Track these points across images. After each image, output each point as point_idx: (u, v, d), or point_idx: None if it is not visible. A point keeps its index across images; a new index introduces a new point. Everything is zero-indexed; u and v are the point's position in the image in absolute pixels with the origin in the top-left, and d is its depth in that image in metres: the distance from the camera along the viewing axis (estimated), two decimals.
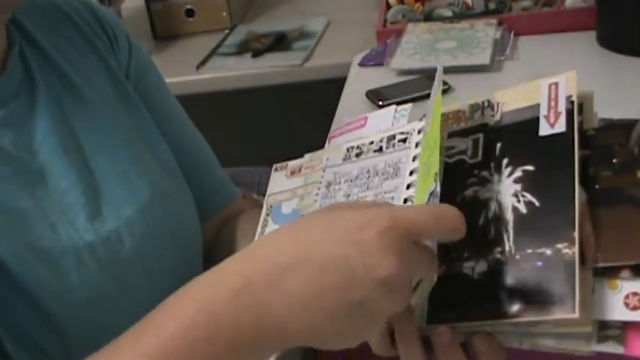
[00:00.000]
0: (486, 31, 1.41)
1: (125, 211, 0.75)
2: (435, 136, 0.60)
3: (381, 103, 1.24)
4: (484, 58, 1.31)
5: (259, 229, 0.75)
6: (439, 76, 0.65)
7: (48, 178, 0.72)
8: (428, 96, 1.26)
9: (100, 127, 0.78)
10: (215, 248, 0.91)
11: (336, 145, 0.78)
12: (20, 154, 0.71)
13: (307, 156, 0.79)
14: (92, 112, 0.78)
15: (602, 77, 1.25)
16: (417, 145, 0.67)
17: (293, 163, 0.79)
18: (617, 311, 0.51)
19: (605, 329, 0.52)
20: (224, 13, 1.82)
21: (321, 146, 0.93)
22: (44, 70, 0.76)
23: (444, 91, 1.26)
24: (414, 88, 1.27)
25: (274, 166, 0.81)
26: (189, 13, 1.82)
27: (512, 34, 1.41)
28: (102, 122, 0.78)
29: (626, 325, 0.52)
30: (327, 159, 0.77)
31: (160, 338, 0.51)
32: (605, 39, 1.33)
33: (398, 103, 1.23)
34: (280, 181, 0.79)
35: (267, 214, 0.76)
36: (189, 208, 0.86)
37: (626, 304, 0.51)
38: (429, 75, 1.31)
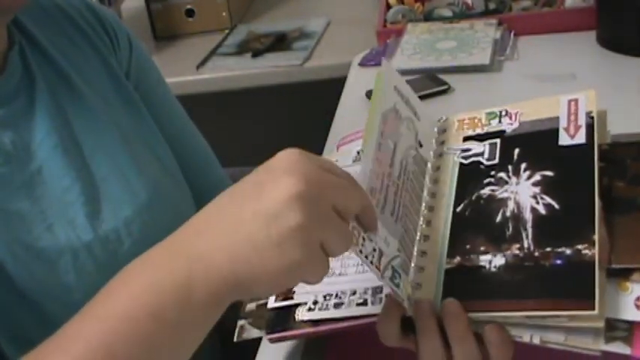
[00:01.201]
0: (486, 31, 1.41)
1: (124, 210, 0.75)
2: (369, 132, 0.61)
3: None
4: (484, 58, 1.31)
5: None
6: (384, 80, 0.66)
7: (47, 177, 0.72)
8: (428, 96, 1.28)
9: (99, 127, 0.78)
10: None
11: (346, 150, 0.79)
12: (19, 153, 0.71)
13: None
14: (91, 112, 0.78)
15: (602, 77, 1.24)
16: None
17: None
18: (628, 312, 0.53)
19: (613, 330, 0.53)
20: (224, 13, 1.82)
21: (322, 146, 0.93)
22: (44, 69, 0.76)
23: (444, 91, 1.26)
24: (413, 88, 1.26)
25: None
26: (189, 13, 1.82)
27: (512, 34, 1.41)
28: (101, 122, 0.78)
29: (633, 327, 0.53)
30: (337, 160, 0.77)
31: (108, 297, 0.54)
32: (605, 39, 1.33)
33: None
34: None
35: None
36: (188, 208, 0.86)
37: (637, 306, 0.53)
38: (429, 75, 1.31)
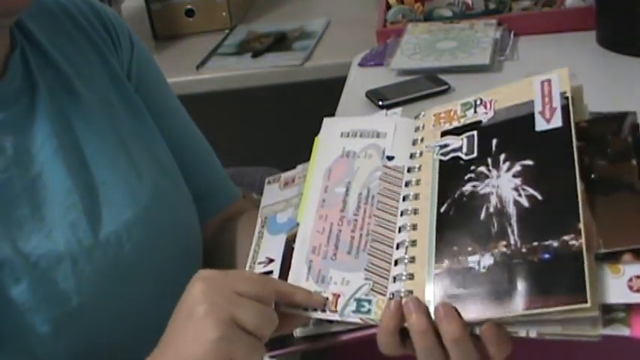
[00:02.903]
0: (486, 31, 1.41)
1: (125, 214, 0.75)
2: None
3: (381, 103, 1.24)
4: (484, 58, 1.31)
5: (255, 241, 0.76)
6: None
7: (48, 181, 0.72)
8: (428, 96, 1.28)
9: (99, 131, 0.77)
10: (215, 248, 0.91)
11: None
12: (21, 158, 0.71)
13: (300, 167, 0.79)
14: (92, 116, 0.77)
15: (601, 77, 1.24)
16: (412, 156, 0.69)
17: (286, 175, 0.80)
18: (622, 294, 0.53)
19: (610, 312, 0.53)
20: (224, 13, 1.82)
21: None
22: (45, 72, 0.76)
23: (444, 91, 1.26)
24: (414, 88, 1.27)
25: (267, 179, 0.81)
26: (189, 13, 1.82)
27: (512, 34, 1.41)
28: (102, 126, 0.78)
29: (630, 308, 0.53)
30: None
31: None
32: (604, 39, 1.33)
33: (398, 104, 1.24)
34: (274, 193, 0.79)
35: (263, 226, 0.76)
36: (188, 210, 0.86)
37: (630, 287, 0.53)
38: (429, 75, 1.31)
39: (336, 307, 0.62)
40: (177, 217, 0.82)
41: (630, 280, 0.53)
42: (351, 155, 0.71)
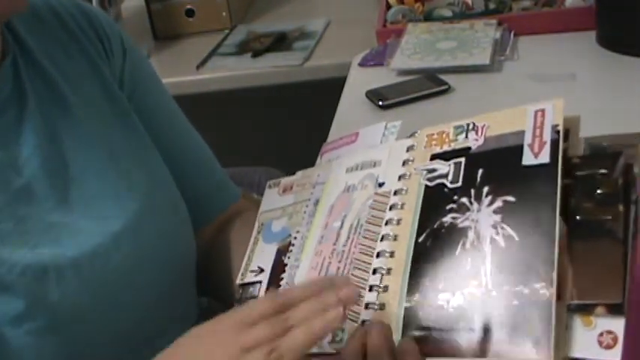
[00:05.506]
0: (486, 31, 1.41)
1: (112, 225, 0.73)
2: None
3: (381, 103, 1.24)
4: (484, 58, 1.31)
5: (250, 246, 0.76)
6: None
7: (32, 195, 0.70)
8: (428, 96, 1.28)
9: (89, 141, 0.76)
10: (213, 251, 0.90)
11: (327, 161, 0.79)
12: (5, 170, 0.70)
13: (299, 173, 0.80)
14: (81, 126, 0.76)
15: (601, 77, 1.24)
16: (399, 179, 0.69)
17: (286, 181, 0.80)
18: (591, 349, 0.51)
19: None
20: (224, 13, 1.82)
21: (320, 147, 0.94)
22: (35, 82, 0.74)
23: (444, 91, 1.26)
24: (414, 88, 1.27)
25: (268, 183, 0.82)
26: (189, 13, 1.82)
27: (512, 34, 1.41)
28: (91, 136, 0.76)
29: None
30: (319, 175, 0.77)
31: None
32: (604, 39, 1.33)
33: (398, 104, 1.24)
34: (273, 198, 0.79)
35: (259, 232, 0.77)
36: (180, 220, 0.84)
37: (600, 342, 0.51)
38: (429, 75, 1.31)
39: None
40: (168, 228, 0.80)
41: (601, 334, 0.51)
42: (350, 189, 0.71)
